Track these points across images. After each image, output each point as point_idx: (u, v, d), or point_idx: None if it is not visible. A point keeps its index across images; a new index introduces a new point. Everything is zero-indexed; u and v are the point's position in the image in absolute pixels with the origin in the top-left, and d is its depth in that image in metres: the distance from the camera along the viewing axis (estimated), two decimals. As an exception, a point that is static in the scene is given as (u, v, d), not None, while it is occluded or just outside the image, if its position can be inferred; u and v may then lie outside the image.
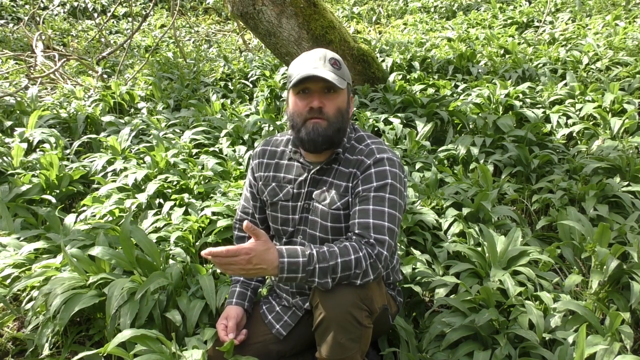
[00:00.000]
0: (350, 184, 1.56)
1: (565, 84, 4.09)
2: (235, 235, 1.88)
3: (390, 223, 1.46)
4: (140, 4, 11.33)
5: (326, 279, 1.38)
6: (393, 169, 1.53)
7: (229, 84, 5.16)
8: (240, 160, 3.24)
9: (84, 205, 2.68)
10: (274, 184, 1.70)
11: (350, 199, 1.56)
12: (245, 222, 1.36)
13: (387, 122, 3.63)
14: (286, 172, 1.68)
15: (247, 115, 4.01)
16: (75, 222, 2.46)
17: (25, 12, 9.85)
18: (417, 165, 3.05)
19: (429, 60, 4.99)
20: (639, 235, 2.23)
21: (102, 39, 7.98)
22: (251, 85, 5.05)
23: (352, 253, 1.39)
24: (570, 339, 1.66)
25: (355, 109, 3.86)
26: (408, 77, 4.56)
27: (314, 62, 1.51)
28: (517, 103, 3.71)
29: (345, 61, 4.07)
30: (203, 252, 1.33)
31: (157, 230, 2.39)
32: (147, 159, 3.06)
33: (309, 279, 1.38)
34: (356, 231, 1.46)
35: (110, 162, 3.14)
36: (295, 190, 1.65)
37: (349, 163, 1.58)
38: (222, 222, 2.34)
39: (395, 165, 1.54)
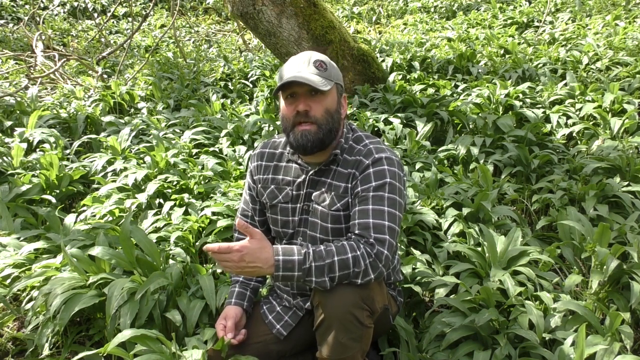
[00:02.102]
0: (350, 185, 1.56)
1: (565, 84, 4.09)
2: (235, 237, 1.88)
3: (390, 222, 1.46)
4: (140, 4, 11.33)
5: (323, 278, 1.38)
6: (392, 168, 1.53)
7: (229, 84, 5.16)
8: (240, 160, 3.24)
9: (84, 205, 2.68)
10: (272, 186, 1.69)
11: (349, 200, 1.56)
12: (237, 220, 1.36)
13: (387, 122, 3.63)
14: (285, 174, 1.68)
15: (247, 115, 4.01)
16: (75, 222, 2.46)
17: (25, 12, 9.85)
18: (417, 165, 3.05)
19: (429, 60, 4.99)
20: (639, 235, 2.23)
21: (102, 39, 7.98)
22: (251, 85, 5.05)
23: (350, 251, 1.39)
24: (570, 339, 1.66)
25: (355, 109, 3.86)
26: (408, 77, 4.56)
27: (298, 65, 1.51)
28: (517, 103, 3.71)
29: (345, 61, 4.06)
30: (204, 247, 1.35)
31: (157, 230, 2.39)
32: (147, 159, 3.06)
33: (306, 278, 1.38)
34: (356, 231, 1.46)
35: (110, 162, 3.14)
36: (294, 192, 1.65)
37: (348, 164, 1.58)
38: (222, 222, 2.34)
39: (394, 164, 1.54)
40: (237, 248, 1.34)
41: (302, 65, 1.51)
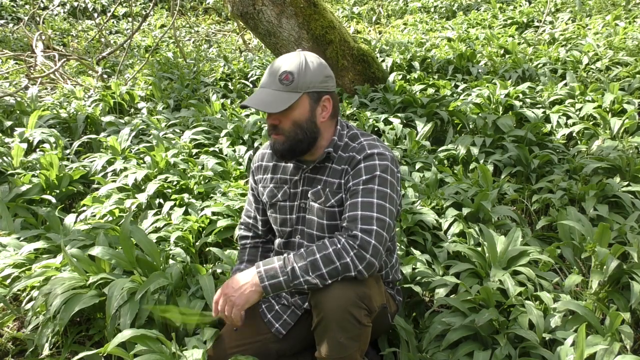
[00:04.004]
0: (343, 181, 1.57)
1: (565, 84, 4.09)
2: (239, 234, 1.92)
3: (379, 213, 1.46)
4: (140, 4, 11.33)
5: (310, 277, 1.40)
6: (383, 162, 1.53)
7: (229, 84, 5.16)
8: (240, 160, 3.23)
9: (84, 205, 2.68)
10: (272, 185, 1.72)
11: (343, 195, 1.57)
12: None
13: (387, 122, 3.63)
14: (283, 173, 1.70)
15: (247, 115, 4.01)
16: (75, 222, 2.46)
17: (25, 12, 9.86)
18: (417, 165, 3.05)
19: (429, 60, 4.99)
20: (639, 235, 2.23)
21: (102, 39, 7.98)
22: (251, 85, 5.05)
23: (330, 246, 1.41)
24: (570, 339, 1.66)
25: (355, 109, 3.86)
26: (408, 77, 4.56)
27: (267, 78, 1.54)
28: (517, 103, 3.71)
29: (345, 61, 4.06)
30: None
31: (157, 230, 2.39)
32: (147, 159, 3.06)
33: (294, 281, 1.40)
34: (344, 224, 1.47)
35: (110, 162, 3.14)
36: (291, 190, 1.66)
37: (342, 160, 1.59)
38: (222, 222, 2.34)
39: (386, 159, 1.54)
40: (217, 292, 1.49)
41: (269, 80, 1.53)
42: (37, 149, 3.37)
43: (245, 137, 3.52)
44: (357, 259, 1.40)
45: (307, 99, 1.55)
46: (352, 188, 1.52)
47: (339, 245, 1.41)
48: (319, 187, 1.60)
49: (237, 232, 1.96)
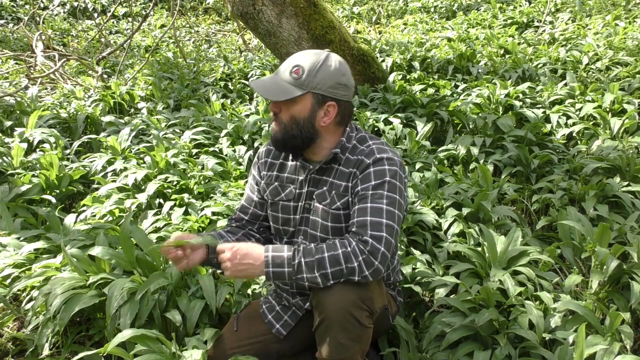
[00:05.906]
0: (350, 184, 1.56)
1: (565, 84, 4.09)
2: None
3: (388, 220, 1.46)
4: (140, 4, 11.32)
5: (314, 274, 1.39)
6: (392, 168, 1.53)
7: (229, 84, 5.16)
8: (240, 160, 3.23)
9: (84, 205, 2.68)
10: (276, 183, 1.70)
11: (350, 199, 1.56)
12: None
13: (387, 122, 3.63)
14: (289, 172, 1.69)
15: (247, 115, 4.01)
16: (75, 222, 2.46)
17: (25, 12, 9.85)
18: (417, 165, 3.05)
19: (429, 60, 4.99)
20: (639, 235, 2.23)
21: (102, 39, 7.98)
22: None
23: (340, 247, 1.41)
24: (570, 339, 1.66)
25: (355, 109, 3.86)
26: (408, 77, 4.56)
27: (280, 68, 1.56)
28: (517, 103, 3.71)
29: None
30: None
31: (157, 230, 2.39)
32: (147, 159, 3.06)
33: (297, 275, 1.39)
34: (353, 229, 1.46)
35: (110, 162, 3.14)
36: (297, 190, 1.65)
37: (349, 163, 1.58)
38: (222, 222, 2.34)
39: (395, 164, 1.54)
40: (229, 247, 1.42)
41: (281, 68, 1.55)
42: (37, 149, 3.37)
43: (245, 137, 3.52)
44: (364, 265, 1.40)
45: (311, 99, 1.53)
46: (360, 192, 1.51)
47: (349, 249, 1.40)
48: (325, 188, 1.59)
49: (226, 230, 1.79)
